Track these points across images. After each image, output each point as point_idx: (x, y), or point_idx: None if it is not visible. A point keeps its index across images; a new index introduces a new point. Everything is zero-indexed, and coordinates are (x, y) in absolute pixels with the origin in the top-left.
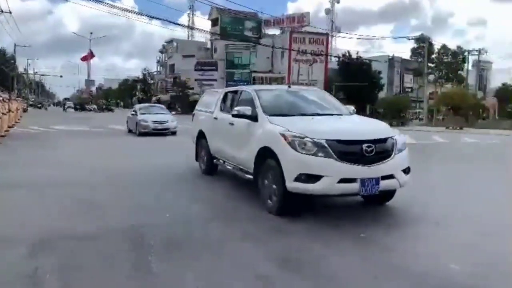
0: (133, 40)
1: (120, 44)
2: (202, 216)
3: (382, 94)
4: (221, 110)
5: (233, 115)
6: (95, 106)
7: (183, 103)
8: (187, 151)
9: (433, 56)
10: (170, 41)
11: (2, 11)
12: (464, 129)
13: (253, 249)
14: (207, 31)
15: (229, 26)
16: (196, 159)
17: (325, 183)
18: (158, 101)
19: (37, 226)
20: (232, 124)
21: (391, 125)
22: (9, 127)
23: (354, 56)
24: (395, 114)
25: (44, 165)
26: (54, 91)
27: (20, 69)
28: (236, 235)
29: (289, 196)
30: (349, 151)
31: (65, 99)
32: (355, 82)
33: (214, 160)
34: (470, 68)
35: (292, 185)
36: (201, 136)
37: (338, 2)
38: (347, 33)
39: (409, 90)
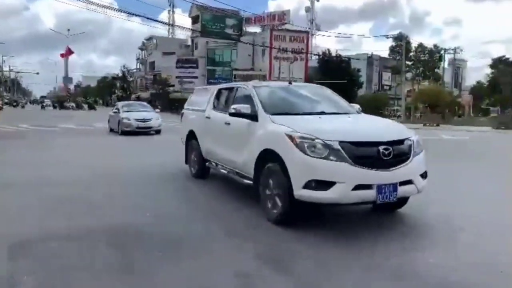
0: (112, 37)
1: (99, 41)
2: (197, 231)
3: (361, 92)
4: (214, 108)
5: (230, 114)
6: (73, 104)
7: (164, 101)
8: (174, 151)
9: (411, 54)
10: (150, 38)
11: None
12: (440, 125)
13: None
14: (187, 28)
15: (210, 23)
16: (186, 162)
17: (339, 190)
18: (138, 99)
19: (17, 227)
20: (228, 123)
21: None
22: None
23: (334, 54)
24: (374, 111)
25: (26, 165)
26: (31, 89)
27: None
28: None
29: (295, 204)
30: (364, 154)
31: (42, 97)
32: (334, 80)
33: (207, 163)
34: (446, 66)
35: (300, 192)
36: (191, 136)
37: (318, 0)
38: (326, 31)
39: (388, 87)
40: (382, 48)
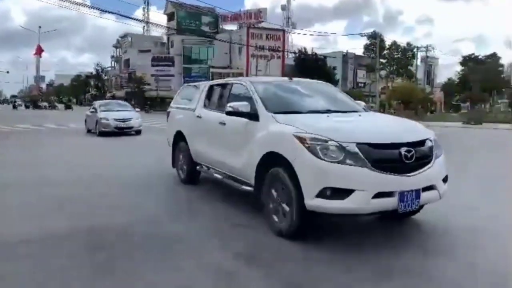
0: (86, 35)
1: (72, 39)
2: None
3: None
4: (206, 106)
5: (227, 113)
6: (46, 104)
7: (139, 99)
8: (159, 152)
9: (385, 52)
10: (124, 36)
11: None
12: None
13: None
14: (163, 26)
15: (186, 21)
16: (173, 165)
17: (358, 199)
18: (113, 98)
19: None
20: (222, 123)
21: None
22: None
23: (310, 52)
24: None
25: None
26: (1, 88)
27: None
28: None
29: (307, 215)
30: (385, 157)
31: (13, 96)
32: (311, 78)
33: (197, 167)
34: (418, 63)
35: (313, 202)
36: (179, 138)
37: None
38: (302, 30)
39: (362, 85)
40: (357, 46)
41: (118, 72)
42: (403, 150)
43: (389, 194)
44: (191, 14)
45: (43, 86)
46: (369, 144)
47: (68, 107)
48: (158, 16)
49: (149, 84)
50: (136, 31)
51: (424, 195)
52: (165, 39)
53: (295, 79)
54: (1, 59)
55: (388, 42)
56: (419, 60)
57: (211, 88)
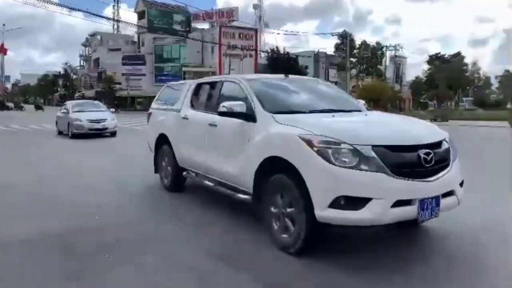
0: (54, 33)
1: (39, 37)
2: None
3: None
4: (192, 107)
5: (220, 114)
6: (11, 104)
7: (110, 99)
8: (139, 156)
9: (355, 51)
10: (94, 34)
11: None
12: None
13: None
14: (133, 24)
15: (157, 19)
16: (156, 171)
17: (375, 209)
18: (83, 97)
19: None
20: (213, 125)
21: None
22: None
23: (282, 51)
24: None
25: None
26: None
27: None
28: None
29: (318, 228)
30: (403, 161)
31: None
32: None
33: (184, 173)
34: (387, 63)
35: (324, 213)
36: (162, 141)
37: None
38: (275, 29)
39: (334, 84)
40: (328, 46)
41: (87, 71)
42: (421, 152)
43: (408, 202)
44: (162, 12)
45: (8, 86)
46: (386, 147)
47: (38, 107)
48: (129, 14)
49: (119, 84)
50: (106, 29)
51: (444, 202)
52: (136, 38)
53: (290, 76)
54: None
55: (358, 42)
56: (388, 59)
57: (198, 87)
